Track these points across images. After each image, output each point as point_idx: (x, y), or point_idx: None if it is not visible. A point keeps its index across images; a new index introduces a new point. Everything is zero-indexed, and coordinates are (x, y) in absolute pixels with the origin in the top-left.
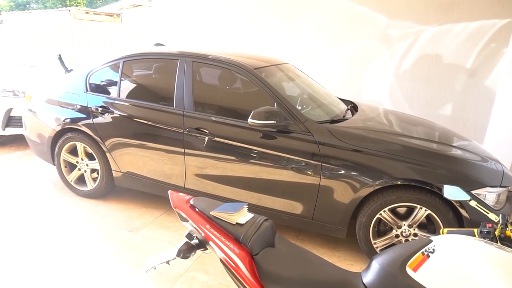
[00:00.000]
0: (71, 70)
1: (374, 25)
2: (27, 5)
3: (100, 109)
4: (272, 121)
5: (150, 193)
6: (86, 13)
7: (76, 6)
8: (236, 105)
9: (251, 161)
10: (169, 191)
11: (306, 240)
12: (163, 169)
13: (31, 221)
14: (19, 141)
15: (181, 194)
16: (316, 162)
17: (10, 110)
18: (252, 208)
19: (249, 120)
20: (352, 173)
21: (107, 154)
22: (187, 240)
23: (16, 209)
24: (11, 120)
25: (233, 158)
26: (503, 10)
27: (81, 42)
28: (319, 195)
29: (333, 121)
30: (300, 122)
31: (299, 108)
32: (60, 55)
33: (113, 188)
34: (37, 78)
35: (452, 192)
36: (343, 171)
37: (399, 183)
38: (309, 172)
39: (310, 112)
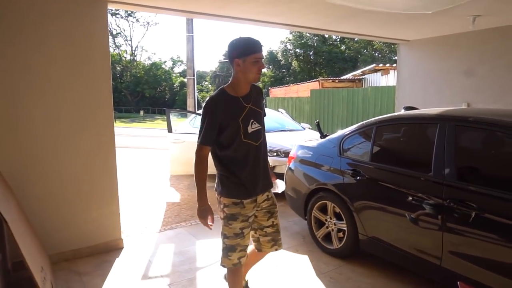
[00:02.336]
0: (327, 135)
1: None
2: (283, 79)
3: (351, 172)
4: None
5: (396, 264)
6: (332, 81)
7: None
8: None
9: None
10: (459, 283)
11: None
12: (414, 240)
13: (278, 269)
14: (277, 195)
15: None
16: None
17: (273, 167)
18: None
19: None
20: None
21: (355, 215)
22: None
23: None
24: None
25: (506, 241)
26: None
27: (327, 106)
28: None
29: None
30: None
31: None
32: (318, 121)
33: (358, 251)
34: (295, 141)
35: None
36: None
37: None
38: None
39: None
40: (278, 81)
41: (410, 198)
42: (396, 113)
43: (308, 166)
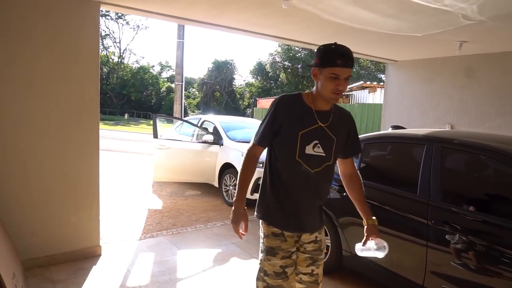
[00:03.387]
0: None
1: None
2: (270, 91)
3: (337, 187)
4: None
5: (379, 282)
6: None
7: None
8: (497, 200)
9: None
10: None
11: None
12: (397, 259)
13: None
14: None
15: None
16: None
17: (258, 178)
18: None
19: None
20: None
21: (339, 231)
22: None
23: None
24: (258, 187)
25: (489, 263)
26: None
27: None
28: None
29: None
30: None
31: None
32: None
33: (341, 267)
34: None
35: None
36: None
37: None
38: None
39: None
40: (266, 92)
41: (396, 217)
42: (384, 132)
43: None
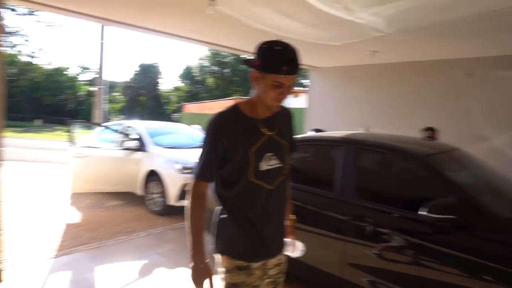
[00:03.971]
0: None
1: None
2: (198, 95)
3: None
4: (452, 216)
5: (302, 277)
6: None
7: (239, 95)
8: (403, 195)
9: (420, 258)
10: None
11: None
12: (318, 255)
13: None
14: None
15: None
16: (509, 270)
17: (185, 185)
18: None
19: (424, 213)
20: None
21: None
22: None
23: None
24: (185, 194)
25: (397, 252)
26: None
27: None
28: None
29: None
30: (485, 218)
31: (480, 200)
32: None
33: None
34: None
35: None
36: None
37: None
38: (499, 282)
39: (494, 206)
40: (193, 97)
41: (317, 216)
42: (305, 135)
43: None
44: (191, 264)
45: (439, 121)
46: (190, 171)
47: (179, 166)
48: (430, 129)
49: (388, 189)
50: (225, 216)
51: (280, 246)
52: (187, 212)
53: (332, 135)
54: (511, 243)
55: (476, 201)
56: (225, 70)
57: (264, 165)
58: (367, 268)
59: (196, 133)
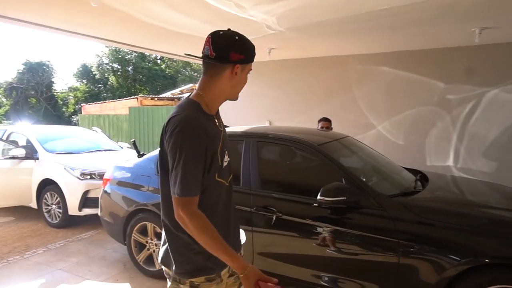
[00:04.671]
0: (144, 153)
1: (431, 91)
2: (99, 95)
3: None
4: (343, 198)
5: None
6: (151, 99)
7: (144, 94)
8: (303, 182)
9: (323, 239)
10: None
11: None
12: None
13: None
14: (92, 220)
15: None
16: (392, 239)
17: (87, 192)
18: None
19: (319, 197)
20: (436, 251)
21: None
22: None
23: None
24: (87, 202)
25: (301, 236)
26: None
27: (147, 124)
28: (399, 275)
29: (405, 194)
30: (371, 197)
31: (367, 181)
32: (134, 140)
33: None
34: (111, 161)
35: None
36: (425, 249)
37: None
38: (386, 251)
39: (378, 185)
40: (94, 97)
41: None
42: None
43: (126, 188)
44: (241, 275)
45: (332, 112)
46: (89, 176)
47: (77, 173)
48: (325, 120)
49: (290, 178)
50: (180, 236)
51: (240, 242)
52: (196, 237)
53: (233, 130)
54: (392, 217)
55: (362, 183)
56: (128, 68)
57: (224, 162)
58: (277, 256)
59: (97, 136)
